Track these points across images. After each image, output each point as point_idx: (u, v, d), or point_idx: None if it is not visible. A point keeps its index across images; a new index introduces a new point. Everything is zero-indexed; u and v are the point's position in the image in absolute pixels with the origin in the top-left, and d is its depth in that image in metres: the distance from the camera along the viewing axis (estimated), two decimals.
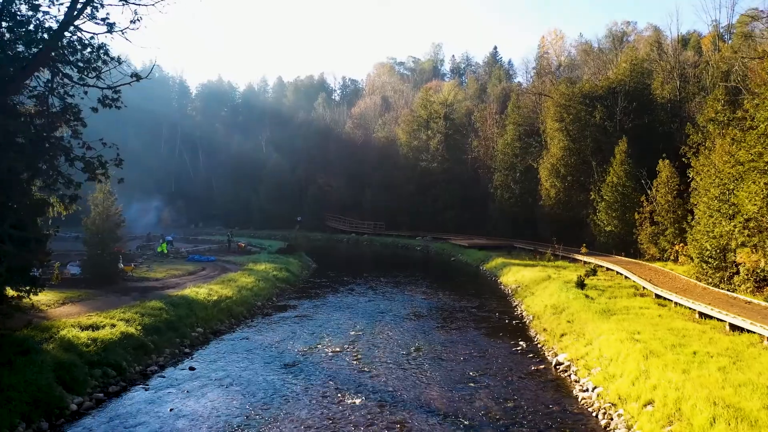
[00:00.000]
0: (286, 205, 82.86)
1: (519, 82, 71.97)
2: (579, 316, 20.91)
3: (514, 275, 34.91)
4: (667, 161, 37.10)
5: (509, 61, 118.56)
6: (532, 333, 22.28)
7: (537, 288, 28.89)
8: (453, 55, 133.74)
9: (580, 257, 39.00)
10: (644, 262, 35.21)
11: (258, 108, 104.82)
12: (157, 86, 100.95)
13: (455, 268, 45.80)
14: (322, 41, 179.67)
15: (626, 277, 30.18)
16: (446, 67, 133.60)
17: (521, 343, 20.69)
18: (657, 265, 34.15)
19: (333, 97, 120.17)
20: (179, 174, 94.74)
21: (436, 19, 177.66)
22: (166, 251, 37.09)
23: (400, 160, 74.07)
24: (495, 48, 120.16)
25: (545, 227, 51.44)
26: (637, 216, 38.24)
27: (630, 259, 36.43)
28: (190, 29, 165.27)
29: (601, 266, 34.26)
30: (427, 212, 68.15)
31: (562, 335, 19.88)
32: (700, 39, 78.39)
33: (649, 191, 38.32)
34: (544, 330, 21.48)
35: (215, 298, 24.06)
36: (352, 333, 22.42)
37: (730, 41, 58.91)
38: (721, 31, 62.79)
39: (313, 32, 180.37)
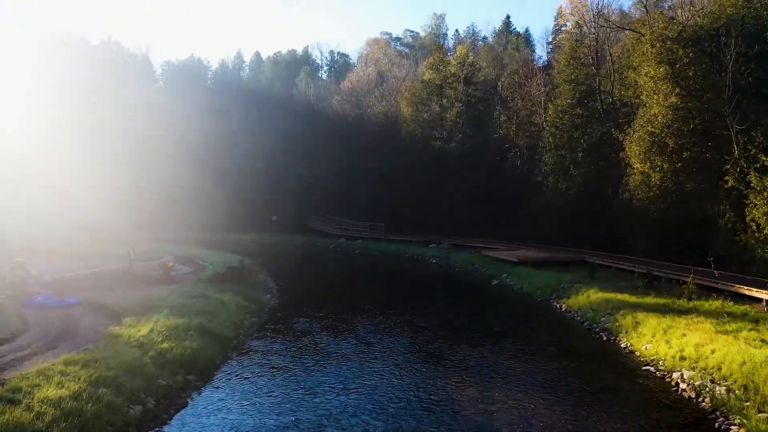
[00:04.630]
0: (259, 201, 65.78)
1: (569, 28, 53.68)
2: None
3: (670, 341, 16.95)
4: None
5: (526, 29, 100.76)
6: None
7: None
8: (456, 30, 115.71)
9: (754, 292, 21.15)
10: None
11: (232, 87, 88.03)
12: (115, 65, 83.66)
13: (510, 305, 27.78)
14: (305, 13, 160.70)
15: None
16: (450, 42, 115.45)
17: None
18: None
19: (320, 75, 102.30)
20: (134, 167, 76.45)
21: None
22: None
23: (403, 141, 56.22)
24: (508, 17, 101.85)
25: (635, 232, 33.72)
26: None
27: None
28: (158, 3, 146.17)
29: None
30: (441, 209, 50.28)
31: None
32: None
33: None
34: None
35: None
36: None
37: None
38: None
39: (295, 3, 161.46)
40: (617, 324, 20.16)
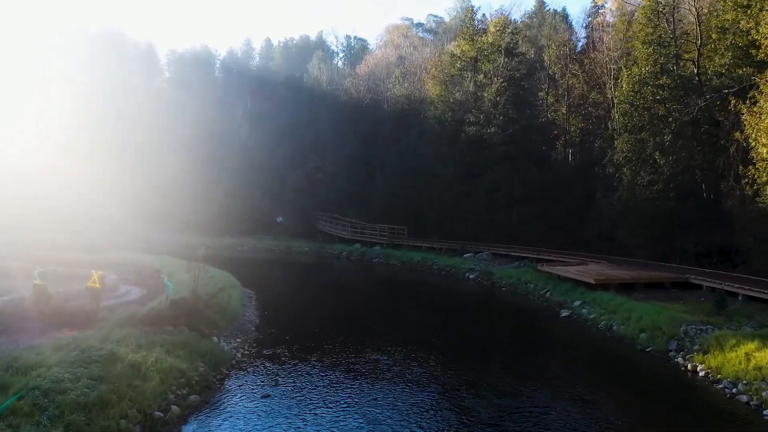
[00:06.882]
0: (261, 200, 57.68)
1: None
2: None
3: None
4: None
5: (564, 8, 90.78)
6: None
7: None
8: (483, 14, 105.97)
9: None
10: None
11: (239, 76, 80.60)
12: (117, 55, 76.06)
13: (608, 362, 17.99)
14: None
15: None
16: (477, 26, 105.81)
17: None
18: None
19: (335, 62, 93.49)
20: (134, 161, 68.36)
21: None
22: None
23: (430, 128, 46.99)
24: None
25: (764, 244, 24.05)
26: None
27: None
28: None
29: None
30: (476, 210, 40.90)
31: None
32: None
33: None
34: None
35: None
36: None
37: None
38: None
39: None
40: None
